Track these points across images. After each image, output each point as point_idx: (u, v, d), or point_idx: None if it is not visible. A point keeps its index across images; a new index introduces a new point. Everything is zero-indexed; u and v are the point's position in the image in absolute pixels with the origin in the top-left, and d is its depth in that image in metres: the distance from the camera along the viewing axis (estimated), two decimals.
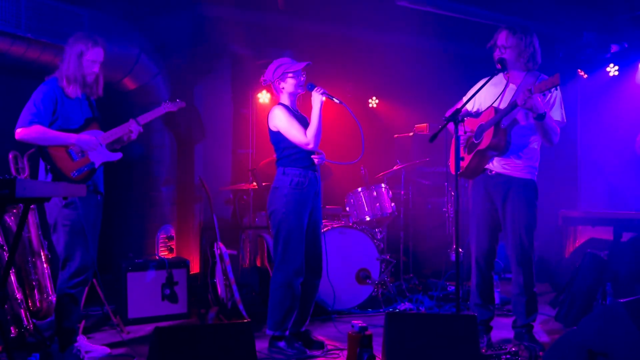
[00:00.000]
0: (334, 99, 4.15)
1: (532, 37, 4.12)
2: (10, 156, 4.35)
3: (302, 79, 4.21)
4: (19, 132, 3.76)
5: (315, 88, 4.15)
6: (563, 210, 6.71)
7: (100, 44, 3.94)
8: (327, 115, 4.35)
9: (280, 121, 4.13)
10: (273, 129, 4.19)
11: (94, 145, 3.92)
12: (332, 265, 5.29)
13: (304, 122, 4.19)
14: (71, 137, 3.85)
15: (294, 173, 4.14)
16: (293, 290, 4.11)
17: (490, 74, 4.08)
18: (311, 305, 4.35)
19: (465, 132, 4.21)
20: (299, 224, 4.12)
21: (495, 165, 4.16)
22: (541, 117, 3.87)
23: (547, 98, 4.06)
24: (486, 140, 4.07)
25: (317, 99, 4.13)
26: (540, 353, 3.97)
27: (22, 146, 4.07)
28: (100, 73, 4.01)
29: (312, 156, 4.19)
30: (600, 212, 6.49)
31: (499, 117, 4.01)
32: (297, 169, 4.15)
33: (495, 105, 4.13)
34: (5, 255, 4.16)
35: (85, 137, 3.90)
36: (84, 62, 3.89)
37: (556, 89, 3.97)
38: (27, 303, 4.31)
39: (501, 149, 4.08)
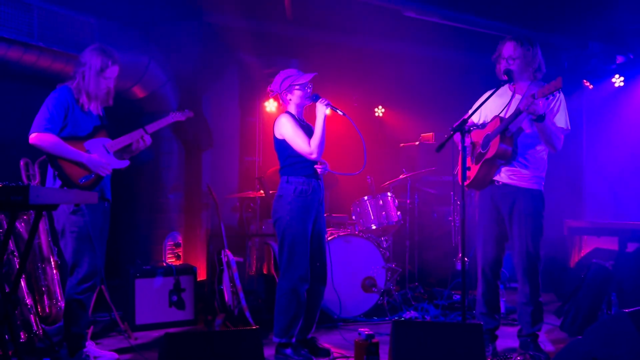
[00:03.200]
0: (337, 110, 4.19)
1: (536, 47, 4.17)
2: (22, 163, 4.40)
3: (308, 90, 4.25)
4: (33, 137, 3.80)
5: (320, 99, 4.19)
6: (568, 220, 6.74)
7: (118, 61, 4.01)
8: (333, 125, 4.39)
9: (286, 129, 4.17)
10: (278, 136, 4.24)
11: (103, 169, 3.95)
12: (338, 274, 5.32)
13: (310, 131, 4.23)
14: (82, 156, 3.88)
15: (297, 181, 4.18)
16: (299, 297, 4.14)
17: (497, 83, 4.12)
18: (317, 312, 4.37)
19: (471, 143, 4.25)
20: (303, 232, 4.15)
21: (503, 176, 4.19)
22: (541, 118, 3.89)
23: (552, 105, 4.09)
24: (493, 148, 4.10)
25: (321, 110, 4.17)
26: None
27: (33, 153, 4.11)
28: (112, 86, 4.07)
29: (315, 166, 4.23)
30: (606, 223, 6.51)
31: (505, 125, 4.04)
32: (301, 177, 4.18)
33: (501, 115, 4.16)
34: (16, 261, 4.20)
35: (95, 158, 3.92)
36: (101, 79, 3.95)
37: (559, 93, 3.99)
38: (36, 308, 4.35)
39: (508, 156, 4.11)
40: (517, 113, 3.95)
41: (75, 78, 3.96)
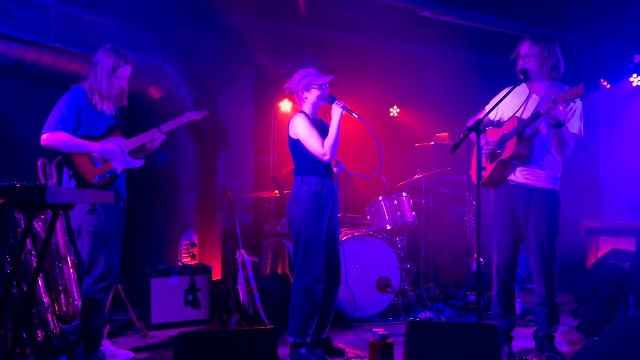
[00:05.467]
0: (353, 113, 4.19)
1: (554, 46, 4.14)
2: (39, 163, 4.44)
3: (326, 91, 4.26)
4: (45, 138, 3.84)
5: (336, 101, 4.19)
6: (585, 221, 6.69)
7: (130, 61, 4.04)
8: (349, 125, 4.38)
9: (300, 129, 4.18)
10: (293, 136, 4.25)
11: (117, 155, 3.98)
12: (352, 274, 5.32)
13: (325, 129, 4.24)
14: (94, 146, 3.92)
15: (312, 181, 4.18)
16: (314, 297, 4.15)
17: (512, 83, 4.11)
18: (331, 312, 4.38)
19: (487, 143, 4.23)
20: (318, 232, 4.16)
21: (518, 175, 4.17)
22: (560, 125, 3.87)
23: (569, 108, 4.07)
24: (509, 149, 4.08)
25: (336, 112, 4.17)
26: None
27: (51, 153, 4.15)
28: (125, 86, 4.10)
29: (332, 165, 4.23)
30: (623, 223, 6.46)
31: (522, 127, 4.02)
32: (315, 177, 4.19)
33: (517, 115, 4.14)
34: (34, 260, 4.24)
35: (108, 146, 3.96)
36: (113, 79, 3.98)
37: (580, 100, 3.97)
38: (53, 307, 4.38)
39: (524, 158, 4.09)
40: (537, 116, 3.92)
41: (88, 78, 3.99)
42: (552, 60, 4.13)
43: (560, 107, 3.84)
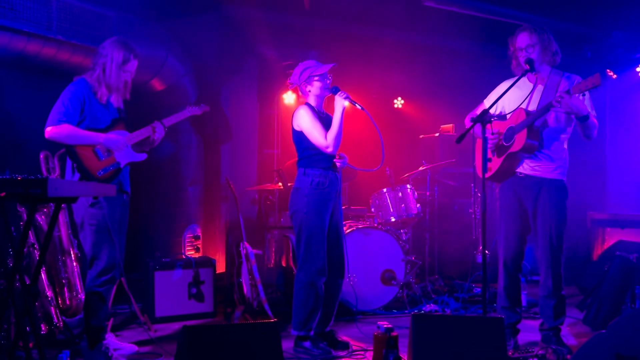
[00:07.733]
0: (356, 104, 4.15)
1: (549, 32, 4.13)
2: (42, 156, 4.43)
3: (328, 81, 4.23)
4: (49, 131, 3.82)
5: (339, 92, 4.15)
6: (591, 212, 6.65)
7: (138, 55, 4.02)
8: (353, 118, 4.34)
9: (304, 121, 4.15)
10: (296, 128, 4.22)
11: (121, 145, 3.97)
12: (357, 266, 5.29)
13: (329, 122, 4.21)
14: (99, 137, 3.90)
15: (314, 173, 4.16)
16: (316, 290, 4.13)
17: (517, 73, 4.07)
18: (335, 305, 4.36)
19: (492, 134, 4.19)
20: (320, 224, 4.14)
21: (526, 167, 4.13)
22: (585, 118, 3.86)
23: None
24: (519, 142, 4.03)
25: (339, 103, 4.14)
26: (568, 356, 3.95)
27: (53, 146, 4.13)
28: (129, 80, 4.08)
29: (335, 160, 4.20)
30: (629, 215, 6.43)
31: (533, 119, 3.97)
32: (318, 169, 4.17)
33: (523, 106, 4.09)
34: (37, 253, 4.23)
35: (112, 136, 3.95)
36: (121, 72, 3.96)
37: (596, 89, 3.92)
38: (57, 301, 4.38)
39: (534, 150, 4.05)
40: (549, 107, 3.87)
41: (95, 70, 3.95)
42: (552, 45, 4.10)
43: (581, 97, 3.81)
